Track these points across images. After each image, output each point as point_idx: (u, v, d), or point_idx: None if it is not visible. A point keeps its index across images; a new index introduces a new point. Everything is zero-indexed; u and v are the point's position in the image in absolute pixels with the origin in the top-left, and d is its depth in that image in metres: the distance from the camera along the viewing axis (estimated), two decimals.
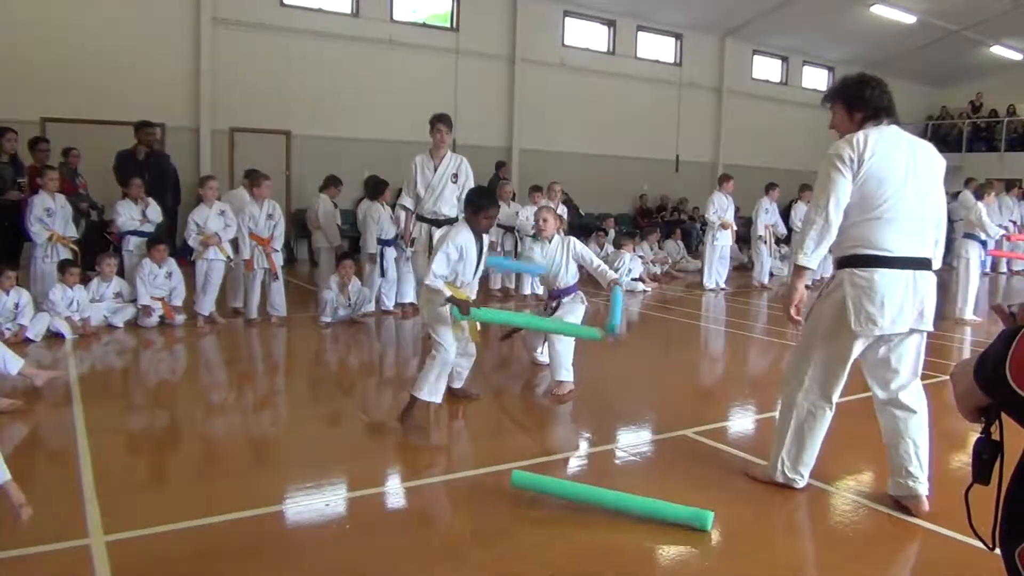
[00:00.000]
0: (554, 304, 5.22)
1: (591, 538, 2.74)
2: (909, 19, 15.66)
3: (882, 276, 2.80)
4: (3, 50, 9.86)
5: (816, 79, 19.00)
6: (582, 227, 12.77)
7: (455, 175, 6.05)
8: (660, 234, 12.71)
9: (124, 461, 3.48)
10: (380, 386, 5.28)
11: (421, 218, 6.11)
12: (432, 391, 3.98)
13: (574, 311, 5.11)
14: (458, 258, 3.97)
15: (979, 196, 8.86)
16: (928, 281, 2.88)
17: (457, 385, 4.47)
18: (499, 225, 9.04)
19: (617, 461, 3.62)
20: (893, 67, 18.52)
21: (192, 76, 11.35)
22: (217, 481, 3.27)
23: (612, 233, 11.68)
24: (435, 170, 6.03)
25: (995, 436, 1.03)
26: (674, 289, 10.41)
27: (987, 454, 1.04)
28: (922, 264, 2.88)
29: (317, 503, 3.01)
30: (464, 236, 4.01)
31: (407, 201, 6.09)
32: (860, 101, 2.95)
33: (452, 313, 3.92)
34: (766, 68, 17.97)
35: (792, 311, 2.96)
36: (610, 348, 6.71)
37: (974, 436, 1.07)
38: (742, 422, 4.39)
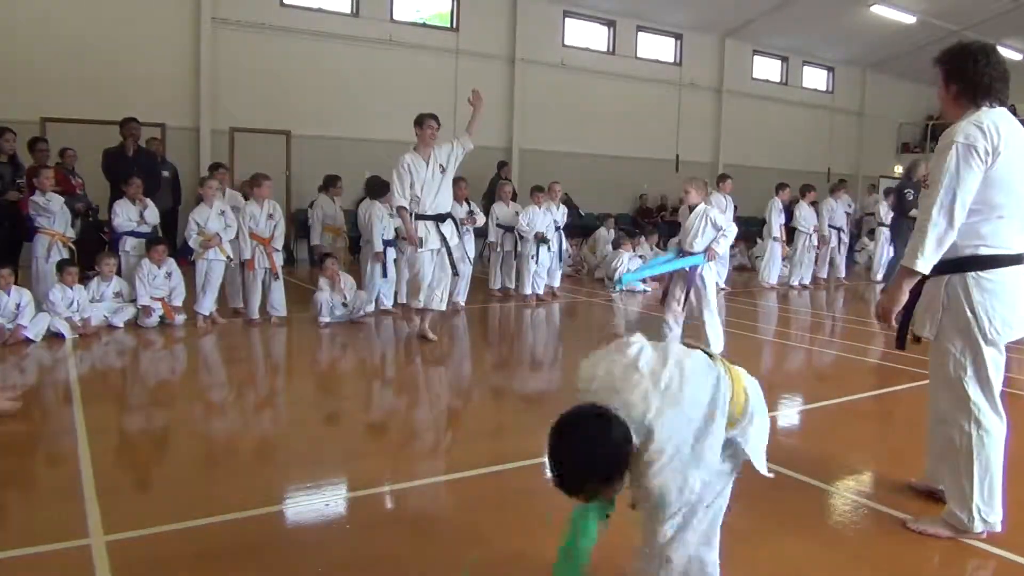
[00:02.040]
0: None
1: None
2: (909, 19, 15.67)
3: (1013, 275, 2.58)
4: (3, 50, 9.87)
5: (816, 79, 19.00)
6: (582, 227, 12.78)
7: (442, 166, 6.06)
8: (660, 234, 12.70)
9: (124, 461, 3.48)
10: (380, 386, 5.28)
11: (423, 217, 6.03)
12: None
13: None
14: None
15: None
16: None
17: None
18: (498, 225, 9.05)
19: None
20: (893, 67, 18.57)
21: (192, 76, 11.35)
22: (217, 481, 3.27)
23: (611, 233, 11.65)
24: (427, 167, 6.01)
25: None
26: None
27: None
28: None
29: (317, 503, 3.01)
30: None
31: (403, 201, 6.00)
32: (962, 75, 2.63)
33: None
34: (766, 68, 17.97)
35: (892, 317, 2.68)
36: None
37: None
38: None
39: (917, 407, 3.69)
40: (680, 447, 1.87)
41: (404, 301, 7.42)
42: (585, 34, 15.20)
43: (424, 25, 13.31)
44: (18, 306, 5.78)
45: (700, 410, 1.92)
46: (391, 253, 7.42)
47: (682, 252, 5.85)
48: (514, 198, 9.85)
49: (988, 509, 2.67)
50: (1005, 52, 20.00)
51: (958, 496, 2.72)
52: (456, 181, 8.02)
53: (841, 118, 18.95)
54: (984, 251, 2.57)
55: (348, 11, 12.55)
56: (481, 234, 9.53)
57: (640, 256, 10.72)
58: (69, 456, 3.40)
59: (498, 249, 9.09)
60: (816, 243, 10.89)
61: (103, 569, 2.39)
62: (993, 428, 2.65)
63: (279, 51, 11.79)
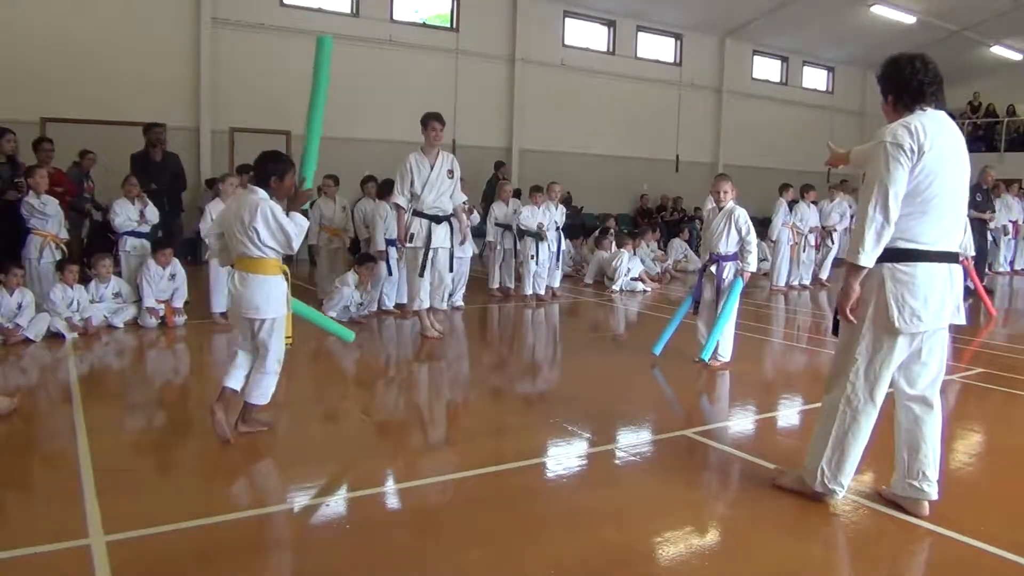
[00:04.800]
0: (712, 267, 5.65)
1: (592, 537, 2.74)
2: (909, 19, 15.67)
3: (925, 271, 2.71)
4: (3, 50, 9.87)
5: (816, 79, 19.01)
6: (583, 228, 12.78)
7: (450, 171, 6.24)
8: (660, 233, 12.69)
9: (124, 461, 3.47)
10: (381, 386, 5.27)
11: (420, 214, 6.20)
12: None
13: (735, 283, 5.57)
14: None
15: None
16: (959, 274, 2.83)
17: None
18: (497, 224, 9.05)
19: (617, 461, 3.62)
20: None
21: (192, 76, 11.36)
22: (217, 481, 3.27)
23: (612, 250, 11.47)
24: (432, 168, 6.15)
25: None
26: (675, 289, 10.41)
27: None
28: (954, 257, 2.81)
29: (317, 503, 3.01)
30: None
31: (401, 200, 6.17)
32: (895, 82, 2.80)
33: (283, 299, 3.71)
34: (766, 68, 17.98)
35: (848, 312, 2.81)
36: (611, 347, 6.71)
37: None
38: (743, 423, 4.39)
39: None
40: None
41: (403, 301, 7.43)
42: (585, 34, 15.20)
43: (424, 25, 13.32)
44: (19, 306, 5.78)
45: None
46: (394, 252, 7.43)
47: (711, 258, 5.64)
48: (516, 196, 9.86)
49: (831, 476, 2.94)
50: (1005, 52, 20.03)
51: (812, 455, 3.00)
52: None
53: (841, 118, 18.95)
54: (902, 245, 2.72)
55: (348, 11, 12.56)
56: (480, 234, 9.52)
57: (647, 257, 10.71)
58: (69, 456, 3.40)
59: (498, 248, 9.09)
60: (814, 243, 10.86)
61: (103, 569, 2.38)
62: (861, 413, 2.86)
63: (279, 51, 11.79)
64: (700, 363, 5.50)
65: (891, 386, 2.93)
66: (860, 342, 2.83)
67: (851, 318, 2.82)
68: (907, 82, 2.78)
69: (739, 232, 5.50)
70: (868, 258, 2.71)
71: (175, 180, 8.93)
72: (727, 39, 16.79)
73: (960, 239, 2.87)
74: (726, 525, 2.94)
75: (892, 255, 2.73)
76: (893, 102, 2.83)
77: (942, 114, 2.79)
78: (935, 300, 2.72)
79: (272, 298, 3.65)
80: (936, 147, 2.66)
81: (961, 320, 2.86)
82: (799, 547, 2.76)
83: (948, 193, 2.72)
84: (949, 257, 2.78)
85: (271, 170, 3.69)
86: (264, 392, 3.75)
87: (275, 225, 3.56)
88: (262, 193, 3.64)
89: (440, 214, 6.23)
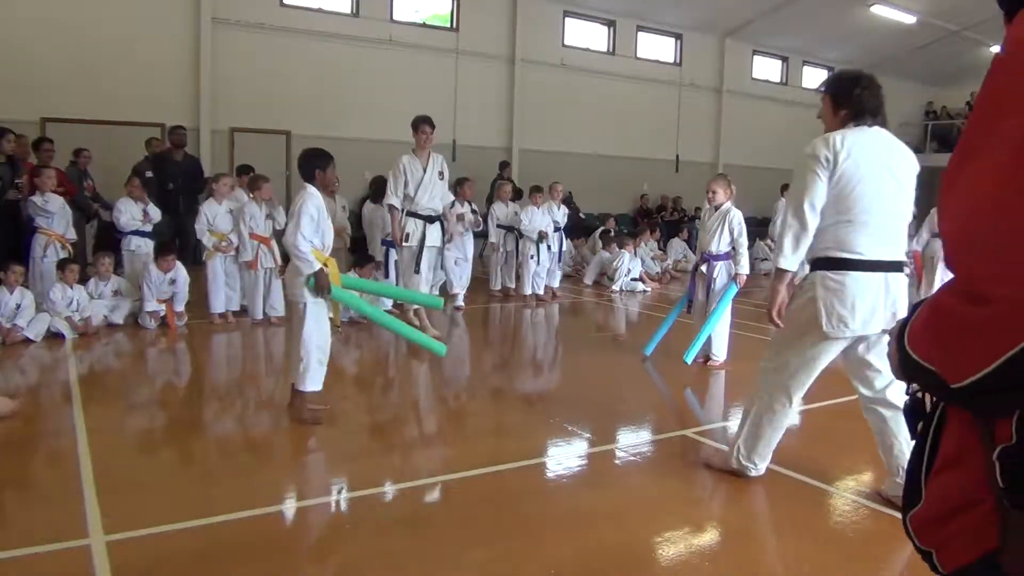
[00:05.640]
0: (704, 267, 5.64)
1: (592, 537, 2.74)
2: (909, 19, 15.66)
3: (854, 279, 2.84)
4: (3, 50, 9.86)
5: (816, 79, 18.98)
6: (583, 227, 12.77)
7: (441, 172, 6.43)
8: (660, 233, 12.68)
9: (124, 461, 3.48)
10: (380, 386, 5.27)
11: (415, 214, 6.35)
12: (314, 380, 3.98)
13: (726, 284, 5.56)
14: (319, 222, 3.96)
15: None
16: (900, 283, 2.92)
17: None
18: (499, 225, 9.05)
19: (617, 461, 3.62)
20: (893, 67, 18.54)
21: (192, 76, 11.35)
22: (217, 481, 3.27)
23: (613, 251, 11.43)
24: (424, 169, 6.33)
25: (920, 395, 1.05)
26: (675, 289, 10.41)
27: (913, 414, 1.05)
28: (894, 267, 2.91)
29: (317, 503, 3.01)
30: (318, 199, 3.97)
31: (394, 200, 6.32)
32: (847, 98, 2.93)
33: (308, 287, 3.87)
34: (766, 68, 17.98)
35: (775, 314, 3.01)
36: (611, 347, 6.72)
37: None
38: None
39: None
40: None
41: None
42: (585, 34, 15.19)
43: (424, 25, 13.31)
44: (18, 306, 5.78)
45: None
46: (393, 254, 7.42)
47: (702, 257, 5.69)
48: (517, 197, 9.85)
49: (745, 454, 3.21)
50: None
51: (734, 436, 3.29)
52: (462, 181, 8.17)
53: None
54: (833, 254, 2.88)
55: (348, 11, 12.54)
56: (481, 234, 9.53)
57: (640, 258, 10.71)
58: (69, 456, 3.40)
59: (500, 250, 9.09)
60: None
61: (103, 569, 2.39)
62: (778, 404, 3.08)
63: (279, 51, 11.79)
64: (699, 363, 5.53)
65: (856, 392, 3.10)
66: (791, 342, 3.01)
67: (778, 322, 3.02)
68: (857, 101, 2.92)
69: (731, 233, 5.49)
70: (789, 262, 2.90)
71: (193, 181, 9.14)
72: (727, 39, 16.78)
73: (904, 249, 2.97)
74: (725, 525, 2.94)
75: (824, 264, 2.89)
76: (843, 116, 2.96)
77: (879, 130, 2.92)
78: (864, 308, 2.84)
79: (302, 284, 3.87)
80: (856, 158, 2.79)
81: None
82: (799, 547, 2.76)
83: (878, 205, 2.82)
84: (886, 266, 2.87)
85: (315, 164, 3.97)
86: (300, 376, 3.94)
87: (294, 218, 3.81)
88: (310, 189, 3.96)
89: (433, 214, 6.43)
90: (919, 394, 1.00)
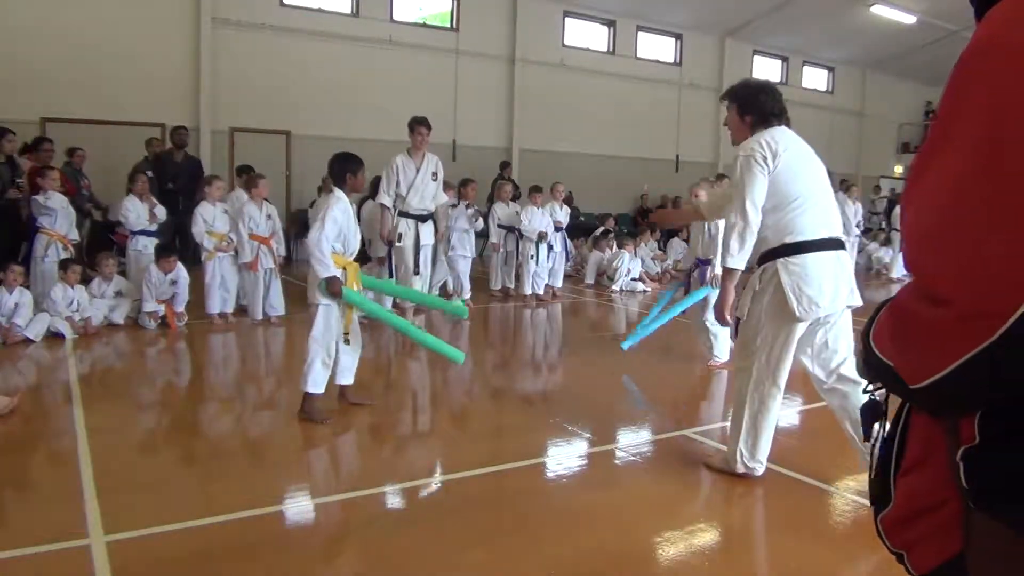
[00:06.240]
0: (696, 273, 5.66)
1: (591, 538, 2.74)
2: (909, 19, 15.66)
3: (813, 259, 2.95)
4: (3, 50, 9.86)
5: (816, 79, 19.00)
6: (583, 228, 12.76)
7: (435, 173, 6.52)
8: (660, 233, 12.66)
9: (124, 461, 3.48)
10: (380, 386, 5.27)
11: (406, 214, 6.47)
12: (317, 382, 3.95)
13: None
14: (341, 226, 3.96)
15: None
16: (846, 259, 3.07)
17: (343, 381, 4.20)
18: (500, 225, 9.05)
19: (617, 461, 3.62)
20: (893, 67, 18.56)
21: (192, 76, 11.35)
22: (217, 481, 3.27)
23: (613, 250, 11.40)
24: (417, 170, 6.42)
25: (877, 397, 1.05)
26: (674, 289, 10.39)
27: (871, 415, 1.05)
28: (840, 244, 3.05)
29: (317, 503, 3.01)
30: (344, 204, 3.96)
31: (386, 199, 6.41)
32: (753, 105, 3.13)
33: (320, 289, 3.86)
34: (766, 68, 17.97)
35: (727, 313, 3.12)
36: (611, 347, 6.71)
37: None
38: None
39: None
40: None
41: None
42: (585, 34, 15.19)
43: (424, 25, 13.31)
44: (16, 306, 5.77)
45: None
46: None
47: (695, 263, 5.67)
48: (516, 198, 9.85)
49: (749, 456, 3.19)
50: None
51: (732, 440, 3.25)
52: (465, 183, 8.20)
53: (841, 118, 18.94)
54: (789, 240, 2.98)
55: (348, 11, 12.55)
56: (481, 234, 9.52)
57: (640, 258, 10.70)
58: (69, 456, 3.40)
59: (500, 251, 9.08)
60: None
61: (103, 569, 2.39)
62: (768, 396, 3.10)
63: (279, 51, 11.79)
64: (713, 366, 5.47)
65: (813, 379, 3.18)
66: (759, 334, 3.06)
67: (728, 319, 3.15)
68: (761, 106, 3.13)
69: (709, 234, 5.43)
70: (737, 261, 3.02)
71: (193, 181, 9.08)
72: (727, 39, 16.79)
73: (839, 227, 3.10)
74: (725, 525, 2.94)
75: (782, 250, 2.98)
76: (749, 122, 3.15)
77: (786, 128, 3.16)
78: (829, 286, 2.94)
79: (317, 286, 3.89)
80: (791, 150, 3.01)
81: (858, 302, 3.05)
82: (799, 546, 2.76)
83: (815, 188, 3.02)
84: (833, 244, 3.02)
85: (346, 168, 3.99)
86: (303, 375, 3.94)
87: (319, 220, 3.81)
88: (338, 193, 3.95)
89: (425, 214, 6.53)
90: (876, 395, 1.00)
